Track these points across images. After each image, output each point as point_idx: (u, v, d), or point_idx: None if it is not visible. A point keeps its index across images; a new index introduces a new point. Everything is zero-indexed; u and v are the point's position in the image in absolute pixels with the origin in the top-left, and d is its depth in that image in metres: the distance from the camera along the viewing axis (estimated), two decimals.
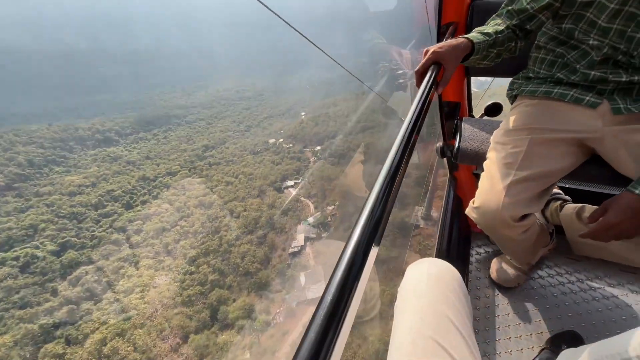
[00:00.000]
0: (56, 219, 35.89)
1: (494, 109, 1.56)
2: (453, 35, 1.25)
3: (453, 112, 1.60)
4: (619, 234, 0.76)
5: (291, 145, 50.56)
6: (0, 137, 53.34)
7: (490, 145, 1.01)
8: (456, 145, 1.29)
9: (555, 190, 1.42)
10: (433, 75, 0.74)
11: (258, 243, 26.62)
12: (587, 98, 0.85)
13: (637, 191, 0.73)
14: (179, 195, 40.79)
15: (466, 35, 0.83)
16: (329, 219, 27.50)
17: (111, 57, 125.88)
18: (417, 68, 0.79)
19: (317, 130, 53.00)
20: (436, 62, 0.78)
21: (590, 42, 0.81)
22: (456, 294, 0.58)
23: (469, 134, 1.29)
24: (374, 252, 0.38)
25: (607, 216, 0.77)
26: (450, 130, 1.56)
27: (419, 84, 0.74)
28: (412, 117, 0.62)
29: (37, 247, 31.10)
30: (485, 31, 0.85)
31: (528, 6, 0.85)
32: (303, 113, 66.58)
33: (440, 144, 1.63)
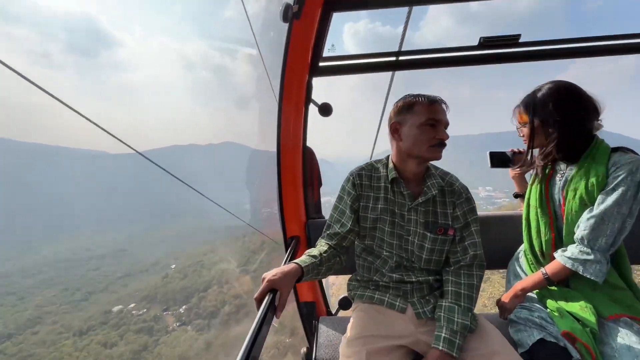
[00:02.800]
0: None
1: (345, 303, 1.66)
2: (296, 247, 1.48)
3: (310, 312, 1.69)
4: None
5: (144, 310, 35.65)
6: None
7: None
8: (313, 356, 1.26)
9: None
10: (270, 300, 0.80)
11: None
12: (397, 303, 1.07)
13: (439, 347, 0.91)
14: None
15: (296, 260, 0.96)
16: None
17: None
18: (255, 295, 0.84)
19: (185, 284, 40.44)
20: (272, 288, 0.84)
21: (384, 252, 1.09)
22: None
23: (324, 340, 1.31)
24: None
25: None
26: (311, 332, 1.60)
27: (258, 309, 0.79)
28: (252, 337, 0.66)
29: None
30: (313, 254, 1.01)
31: (339, 230, 1.09)
32: (173, 265, 53.33)
33: (304, 349, 1.55)
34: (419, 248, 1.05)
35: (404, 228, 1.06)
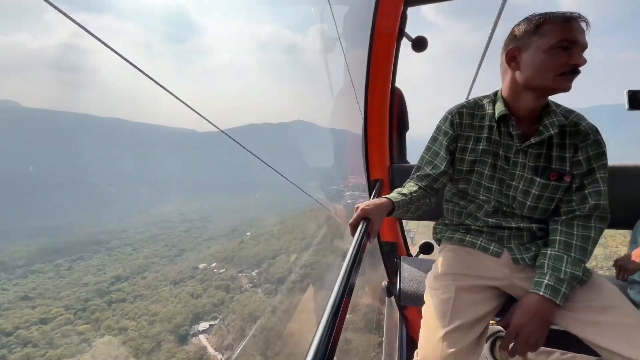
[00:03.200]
0: None
1: (426, 248, 1.69)
2: (380, 190, 1.49)
3: (392, 251, 1.76)
4: (527, 336, 0.81)
5: (223, 270, 40.31)
6: None
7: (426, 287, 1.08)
8: (397, 287, 1.31)
9: (499, 327, 1.27)
10: (364, 227, 0.83)
11: None
12: (492, 247, 1.00)
13: (540, 292, 0.83)
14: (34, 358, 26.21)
15: (387, 196, 0.96)
16: None
17: (53, 183, 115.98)
18: (350, 221, 0.88)
19: (257, 251, 44.22)
20: (365, 217, 0.87)
21: (480, 197, 1.02)
22: None
23: (407, 275, 1.35)
24: None
25: (514, 319, 0.84)
26: (392, 269, 1.64)
27: (353, 234, 0.82)
28: (349, 262, 0.67)
29: None
30: (402, 192, 1.00)
31: (430, 172, 1.04)
32: (248, 233, 58.64)
33: (385, 282, 1.71)
34: (524, 194, 0.95)
35: (508, 172, 0.96)
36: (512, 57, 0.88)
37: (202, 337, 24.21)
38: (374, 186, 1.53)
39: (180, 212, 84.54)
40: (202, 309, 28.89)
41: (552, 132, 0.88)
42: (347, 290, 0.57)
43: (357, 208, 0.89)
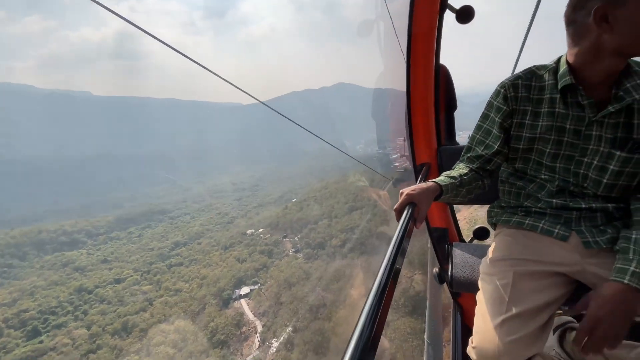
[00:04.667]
0: None
1: (481, 233, 1.60)
2: (427, 174, 1.43)
3: (443, 237, 1.69)
4: (607, 329, 0.70)
5: (269, 235, 40.51)
6: None
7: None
8: (449, 273, 1.27)
9: (569, 318, 1.17)
10: (410, 212, 0.81)
11: None
12: (556, 230, 0.89)
13: (624, 280, 0.71)
14: (106, 315, 29.21)
15: (434, 180, 0.92)
16: None
17: (121, 161, 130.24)
18: (395, 207, 0.85)
19: (300, 216, 43.43)
20: (410, 202, 0.84)
21: (542, 176, 0.92)
22: None
23: (459, 261, 1.30)
24: None
25: (591, 311, 0.73)
26: (444, 255, 1.58)
27: (398, 220, 0.80)
28: (394, 248, 0.65)
29: None
30: (451, 175, 0.94)
31: (482, 152, 0.96)
32: (294, 199, 58.46)
33: (436, 269, 1.64)
34: (599, 171, 0.84)
35: (578, 147, 0.85)
36: (602, 17, 0.72)
37: (242, 301, 24.21)
38: (420, 170, 1.44)
39: (233, 182, 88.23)
40: (245, 273, 29.13)
41: (636, 96, 0.76)
42: (391, 276, 0.55)
43: (402, 193, 0.85)
